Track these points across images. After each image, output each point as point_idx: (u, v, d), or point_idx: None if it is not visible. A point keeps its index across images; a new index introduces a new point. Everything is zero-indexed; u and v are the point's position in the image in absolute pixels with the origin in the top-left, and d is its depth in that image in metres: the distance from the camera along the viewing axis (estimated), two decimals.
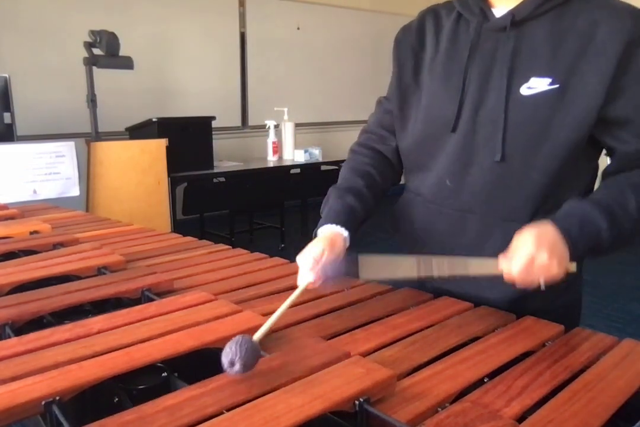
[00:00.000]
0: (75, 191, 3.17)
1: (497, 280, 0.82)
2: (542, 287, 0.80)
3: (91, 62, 3.28)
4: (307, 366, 0.67)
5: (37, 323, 0.90)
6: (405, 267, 0.90)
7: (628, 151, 0.90)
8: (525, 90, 0.89)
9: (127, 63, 3.35)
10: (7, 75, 3.31)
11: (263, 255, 1.33)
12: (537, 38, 0.89)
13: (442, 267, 0.88)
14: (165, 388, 0.70)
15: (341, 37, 5.97)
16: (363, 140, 1.14)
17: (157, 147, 3.32)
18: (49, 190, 3.08)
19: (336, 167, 4.62)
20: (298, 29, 5.55)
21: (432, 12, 1.03)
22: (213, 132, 4.02)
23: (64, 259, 1.19)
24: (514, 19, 0.89)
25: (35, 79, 4.02)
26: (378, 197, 1.07)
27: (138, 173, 3.29)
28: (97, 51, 3.32)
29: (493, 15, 0.93)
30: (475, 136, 0.94)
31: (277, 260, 1.28)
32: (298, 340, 0.81)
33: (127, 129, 3.85)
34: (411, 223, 1.09)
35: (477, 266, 0.86)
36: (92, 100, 3.34)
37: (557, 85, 0.87)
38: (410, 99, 1.03)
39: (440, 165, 0.99)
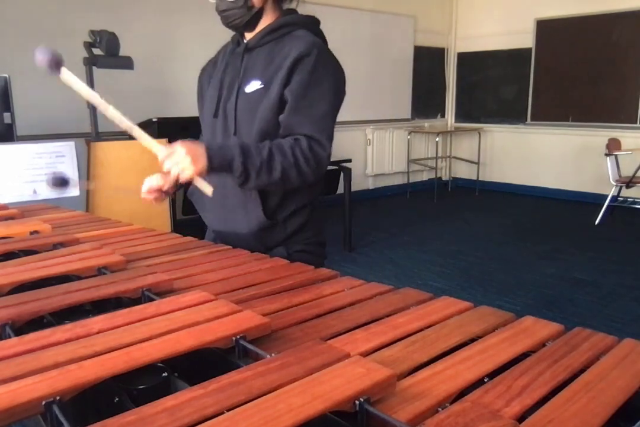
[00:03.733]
0: (75, 191, 3.17)
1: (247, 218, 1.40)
2: (180, 176, 1.18)
3: (91, 62, 3.28)
4: (307, 366, 0.67)
5: (37, 323, 0.90)
6: (92, 96, 1.30)
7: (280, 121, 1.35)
8: (247, 88, 1.39)
9: (127, 63, 3.36)
10: (7, 75, 3.31)
11: (263, 255, 1.33)
12: (259, 58, 1.40)
13: (121, 121, 1.25)
14: (166, 388, 0.70)
15: (341, 37, 5.97)
16: None
17: None
18: (49, 191, 3.08)
19: (336, 167, 4.62)
20: None
21: (224, 48, 1.55)
22: None
23: (64, 259, 1.19)
24: (247, 47, 1.42)
25: (35, 79, 4.01)
26: None
27: (138, 173, 3.29)
28: (97, 51, 3.32)
29: (243, 43, 1.44)
30: (226, 119, 1.43)
31: (277, 260, 1.28)
32: (298, 340, 0.81)
33: None
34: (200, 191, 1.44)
35: (144, 138, 1.22)
36: None
37: (263, 85, 1.37)
38: (203, 104, 1.54)
39: (216, 139, 1.45)
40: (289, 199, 1.42)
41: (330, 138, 1.35)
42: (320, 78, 1.33)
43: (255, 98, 1.37)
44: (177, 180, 1.30)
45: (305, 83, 1.32)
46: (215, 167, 1.21)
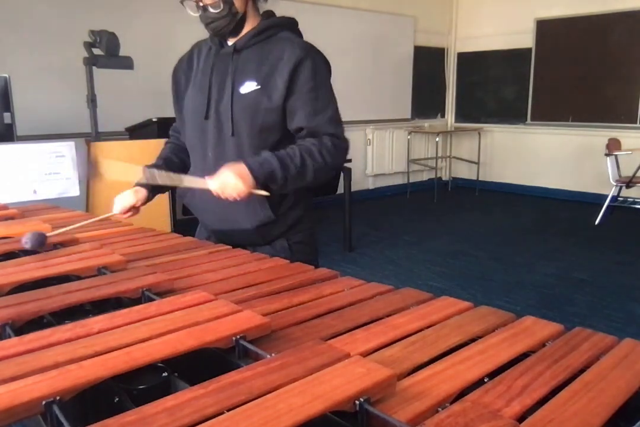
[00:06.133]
0: (75, 191, 3.17)
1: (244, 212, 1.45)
2: (238, 198, 1.31)
3: (91, 62, 3.28)
4: (307, 366, 0.68)
5: (37, 323, 0.90)
6: (137, 173, 1.42)
7: (298, 127, 1.42)
8: (242, 89, 1.42)
9: (127, 63, 3.36)
10: (7, 75, 3.31)
11: (263, 255, 1.33)
12: (249, 59, 1.44)
13: (163, 177, 1.41)
14: (166, 388, 0.70)
15: (341, 37, 5.97)
16: (170, 137, 1.76)
17: (157, 147, 3.29)
18: (49, 191, 3.08)
19: None
20: None
21: (197, 47, 1.58)
22: None
23: (64, 259, 1.19)
24: (236, 48, 1.45)
25: (35, 79, 4.02)
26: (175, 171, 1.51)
27: (138, 173, 3.29)
28: (97, 51, 3.32)
29: (226, 45, 1.48)
30: (220, 121, 1.45)
31: (277, 260, 1.28)
32: (298, 340, 0.81)
33: (127, 129, 3.85)
34: (192, 192, 1.52)
35: (190, 181, 1.39)
36: (92, 100, 3.34)
37: (259, 86, 1.40)
38: (183, 104, 1.56)
39: (204, 143, 1.49)
40: (289, 192, 1.48)
41: (343, 129, 1.45)
42: (322, 78, 1.42)
43: (252, 99, 1.41)
44: (150, 194, 1.49)
45: (313, 86, 1.40)
46: (261, 181, 1.33)
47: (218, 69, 1.47)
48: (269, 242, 1.51)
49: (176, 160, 1.62)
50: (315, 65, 1.41)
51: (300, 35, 1.51)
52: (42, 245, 1.27)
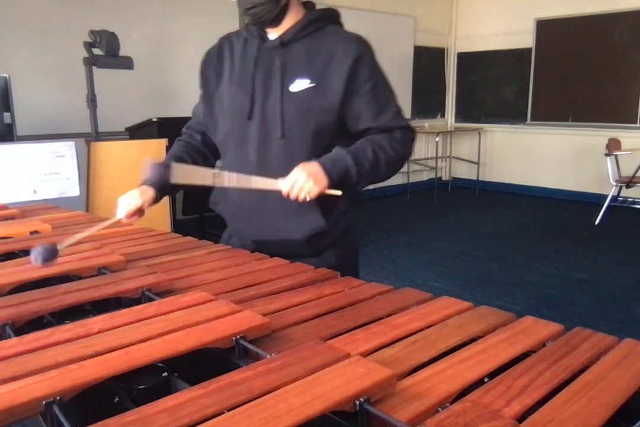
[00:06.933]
0: (75, 191, 3.17)
1: (297, 223, 1.33)
2: (307, 198, 1.20)
3: (91, 62, 3.28)
4: (307, 366, 0.68)
5: (37, 323, 0.90)
6: (205, 176, 1.23)
7: (366, 129, 1.33)
8: (292, 87, 1.30)
9: (127, 63, 3.36)
10: (7, 75, 3.31)
11: (263, 255, 1.33)
12: (298, 54, 1.32)
13: (231, 179, 1.24)
14: (166, 388, 0.70)
15: None
16: (182, 135, 1.57)
17: (157, 147, 3.32)
18: (49, 191, 3.08)
19: None
20: None
21: (227, 40, 1.44)
22: None
23: (64, 259, 1.19)
24: (282, 41, 1.32)
25: (35, 79, 4.02)
26: None
27: (138, 173, 3.29)
28: (97, 51, 3.32)
29: (268, 38, 1.35)
30: (265, 122, 1.32)
31: (277, 260, 1.28)
32: (298, 340, 0.81)
33: (127, 129, 3.85)
34: (228, 199, 1.43)
35: (260, 182, 1.23)
36: (92, 100, 3.34)
37: (313, 84, 1.29)
38: (215, 104, 1.41)
39: (244, 146, 1.36)
40: (339, 199, 1.35)
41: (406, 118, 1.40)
42: (379, 73, 1.35)
43: (305, 98, 1.29)
44: (157, 195, 1.34)
45: (373, 84, 1.32)
46: (334, 180, 1.24)
47: (262, 64, 1.34)
48: (316, 254, 1.39)
49: (188, 159, 1.48)
50: (371, 61, 1.32)
51: (343, 27, 1.41)
52: (54, 258, 1.08)
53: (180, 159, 1.45)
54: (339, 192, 1.24)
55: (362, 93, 1.30)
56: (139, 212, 1.31)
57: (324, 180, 1.22)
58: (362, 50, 1.31)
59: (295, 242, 1.35)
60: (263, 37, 1.35)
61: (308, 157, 1.27)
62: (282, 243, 1.37)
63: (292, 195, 1.21)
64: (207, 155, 1.51)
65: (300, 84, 1.29)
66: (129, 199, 1.29)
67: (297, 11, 1.34)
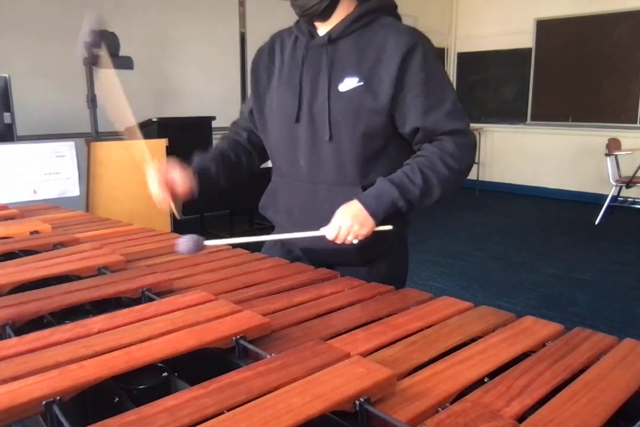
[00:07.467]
0: (75, 191, 3.17)
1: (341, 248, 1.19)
2: (355, 242, 1.14)
3: (91, 62, 3.28)
4: (307, 366, 0.68)
5: (37, 323, 0.90)
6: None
7: (413, 129, 1.21)
8: (341, 87, 1.20)
9: (127, 63, 3.36)
10: (7, 75, 3.31)
11: (263, 255, 1.33)
12: (346, 50, 1.22)
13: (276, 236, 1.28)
14: (166, 388, 0.70)
15: None
16: (228, 131, 1.50)
17: (157, 147, 3.31)
18: (49, 191, 3.08)
19: None
20: None
21: (278, 37, 1.37)
22: (213, 132, 4.01)
23: (64, 259, 1.19)
24: (330, 38, 1.23)
25: (35, 79, 4.02)
26: (228, 168, 1.40)
27: (138, 173, 3.29)
28: (97, 51, 3.31)
29: (317, 35, 1.26)
30: (314, 123, 1.24)
31: (277, 260, 1.28)
32: (298, 340, 0.81)
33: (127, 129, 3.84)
34: (278, 204, 1.37)
35: (303, 234, 1.17)
36: (92, 100, 3.34)
37: (362, 83, 1.19)
38: (265, 103, 1.33)
39: (294, 149, 1.28)
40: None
41: (468, 120, 1.24)
42: (433, 66, 1.21)
43: (354, 98, 1.19)
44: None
45: (424, 78, 1.18)
46: (381, 217, 1.16)
47: (309, 63, 1.25)
48: (366, 263, 1.31)
49: (233, 157, 1.41)
50: (425, 53, 1.19)
51: (400, 19, 1.28)
52: (199, 250, 1.09)
53: (225, 156, 1.40)
54: (389, 227, 1.16)
55: (410, 89, 1.18)
56: (169, 186, 1.24)
57: (369, 222, 1.14)
58: (414, 41, 1.18)
59: (347, 250, 1.22)
60: (312, 33, 1.27)
61: (359, 162, 1.22)
62: (333, 251, 1.25)
63: (339, 242, 1.14)
64: (251, 153, 1.45)
65: (349, 83, 1.20)
66: (156, 177, 1.26)
67: (349, 3, 1.24)
